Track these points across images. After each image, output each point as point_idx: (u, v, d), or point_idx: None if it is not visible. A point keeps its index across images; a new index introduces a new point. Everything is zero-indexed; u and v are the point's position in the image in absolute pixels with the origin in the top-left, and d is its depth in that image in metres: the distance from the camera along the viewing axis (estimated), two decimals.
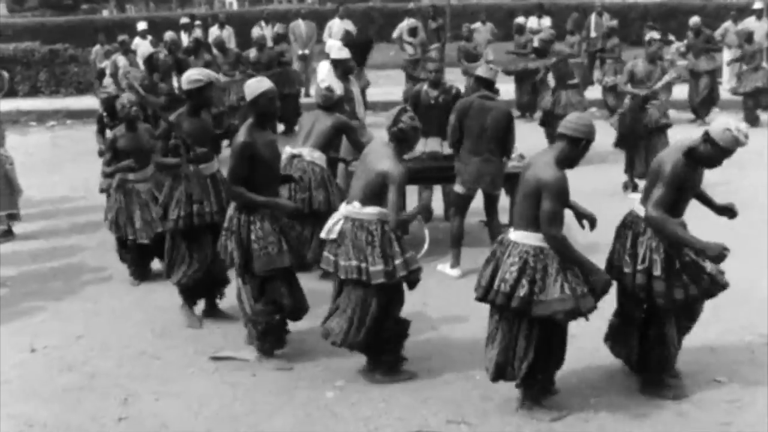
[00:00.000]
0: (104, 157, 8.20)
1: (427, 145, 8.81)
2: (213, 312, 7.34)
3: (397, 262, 5.71)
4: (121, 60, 14.53)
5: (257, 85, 6.09)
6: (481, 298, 5.44)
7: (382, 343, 5.95)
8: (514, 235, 5.35)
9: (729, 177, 11.15)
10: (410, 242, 5.92)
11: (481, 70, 8.21)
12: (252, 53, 15.13)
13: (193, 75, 6.79)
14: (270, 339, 6.38)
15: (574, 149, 5.25)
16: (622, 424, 5.40)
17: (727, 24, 18.56)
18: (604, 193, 10.53)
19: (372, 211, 5.76)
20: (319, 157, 7.95)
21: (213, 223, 6.89)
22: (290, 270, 6.29)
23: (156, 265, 8.31)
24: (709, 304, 5.74)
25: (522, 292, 5.15)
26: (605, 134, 10.32)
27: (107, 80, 14.56)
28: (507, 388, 5.63)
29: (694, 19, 16.58)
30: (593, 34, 18.02)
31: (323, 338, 6.02)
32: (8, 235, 9.93)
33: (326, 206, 7.79)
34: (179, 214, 6.86)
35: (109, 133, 8.73)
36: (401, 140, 5.84)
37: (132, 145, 7.92)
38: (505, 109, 8.03)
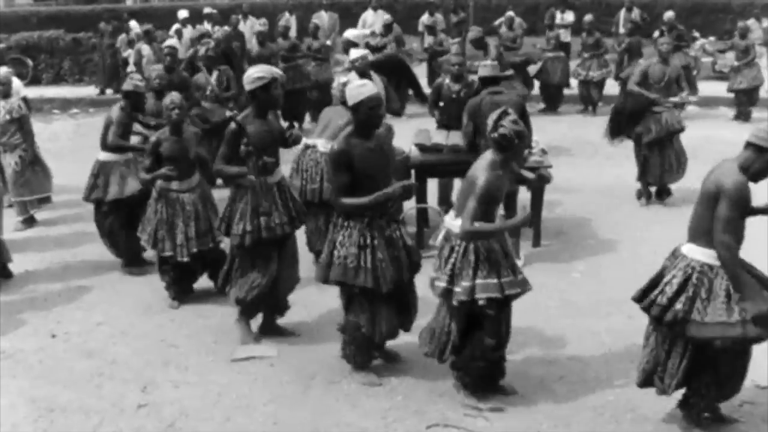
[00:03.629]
0: (144, 162, 7.43)
1: (449, 138, 8.78)
2: (271, 329, 6.79)
3: (479, 281, 5.32)
4: (145, 49, 14.59)
5: (359, 90, 5.61)
6: (637, 300, 5.22)
7: (470, 360, 5.58)
8: (686, 247, 5.08)
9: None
10: (427, 233, 5.89)
11: (483, 70, 8.17)
12: (254, 48, 14.63)
13: (255, 73, 6.15)
14: (359, 353, 5.99)
15: (760, 159, 4.82)
16: None
17: (750, 21, 18.40)
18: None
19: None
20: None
21: (284, 235, 6.42)
22: (375, 292, 5.67)
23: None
24: None
25: (678, 307, 4.89)
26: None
27: (131, 68, 14.63)
28: (523, 383, 5.63)
29: (668, 14, 16.57)
30: (621, 30, 17.88)
31: (420, 347, 5.76)
32: (31, 222, 10.00)
33: None
34: (245, 228, 6.22)
35: (135, 127, 8.55)
36: (504, 147, 5.33)
37: (176, 150, 7.18)
38: (517, 101, 7.97)
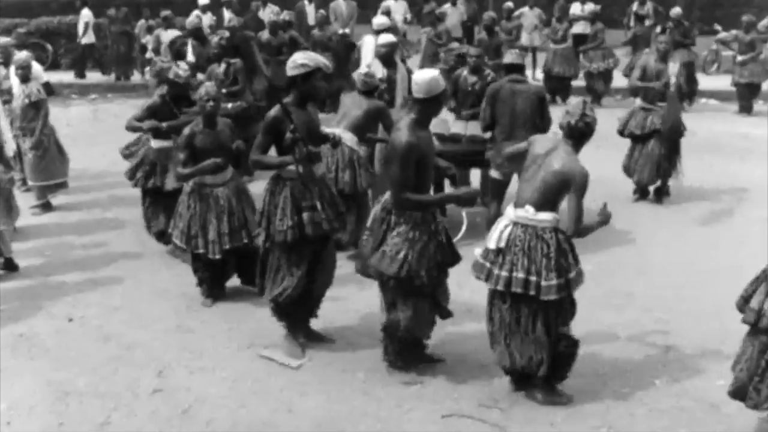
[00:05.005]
0: (179, 157, 7.04)
1: (467, 129, 8.77)
2: (307, 334, 6.47)
3: (572, 275, 5.24)
4: (163, 35, 14.58)
5: (437, 83, 5.37)
6: (752, 324, 4.84)
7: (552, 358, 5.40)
8: None
9: (735, 169, 11.14)
10: (448, 225, 5.86)
11: (508, 57, 8.16)
12: (264, 35, 14.18)
13: (298, 59, 5.81)
14: (404, 354, 5.88)
15: None
16: None
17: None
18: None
19: (547, 217, 5.21)
20: (350, 139, 7.90)
21: (330, 231, 6.11)
22: (420, 288, 5.56)
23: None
24: None
25: None
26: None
27: (149, 54, 14.62)
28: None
29: (675, 10, 16.49)
30: (646, 23, 17.75)
31: (500, 365, 5.56)
32: (47, 207, 10.04)
33: (352, 188, 7.78)
34: (287, 224, 5.87)
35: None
36: (584, 135, 5.28)
37: (211, 143, 6.92)
38: (537, 91, 7.99)
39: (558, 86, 16.44)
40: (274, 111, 5.82)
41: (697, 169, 10.65)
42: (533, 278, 5.14)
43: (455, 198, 5.53)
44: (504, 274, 5.22)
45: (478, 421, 5.32)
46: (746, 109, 15.53)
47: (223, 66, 10.76)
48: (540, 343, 5.29)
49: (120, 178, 8.78)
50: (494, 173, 8.09)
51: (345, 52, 15.56)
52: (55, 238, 9.07)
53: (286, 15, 15.08)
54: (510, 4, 17.00)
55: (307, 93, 5.88)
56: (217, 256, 6.97)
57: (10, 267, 8.04)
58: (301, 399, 5.61)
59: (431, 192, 5.87)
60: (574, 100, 5.33)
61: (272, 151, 5.99)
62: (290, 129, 5.66)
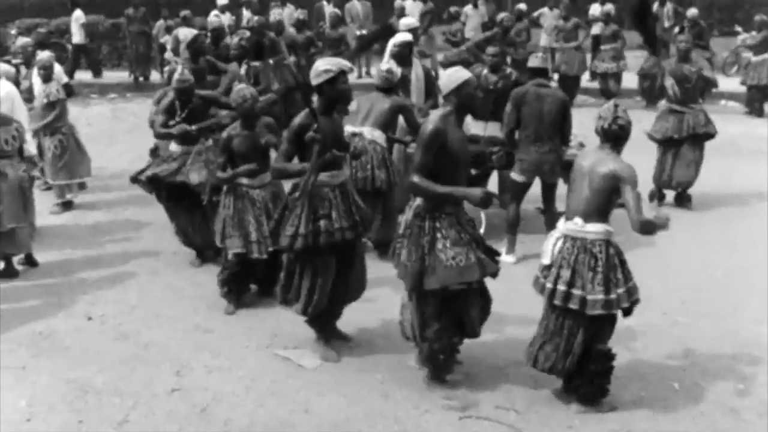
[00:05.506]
0: (218, 160, 6.98)
1: (486, 130, 8.76)
2: (332, 334, 6.40)
3: (620, 291, 5.15)
4: (182, 35, 14.62)
5: (458, 74, 5.36)
6: None
7: (585, 374, 5.35)
8: None
9: (754, 171, 11.08)
10: None
11: (532, 62, 8.14)
12: (288, 34, 14.15)
13: (321, 66, 5.74)
14: (447, 366, 5.70)
15: None
16: None
17: None
18: None
19: (597, 229, 5.16)
20: (379, 136, 7.92)
21: (344, 241, 5.89)
22: (479, 283, 5.52)
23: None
24: None
25: None
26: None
27: (168, 54, 14.66)
28: (555, 378, 5.60)
29: (692, 11, 16.45)
30: (666, 24, 17.70)
31: (528, 363, 5.53)
32: (68, 205, 10.10)
33: (388, 185, 7.82)
34: (297, 230, 5.73)
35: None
36: (619, 137, 5.24)
37: (249, 145, 6.78)
38: (561, 97, 7.99)
39: (562, 86, 16.38)
40: (300, 117, 5.77)
41: (716, 172, 10.59)
42: (577, 292, 5.10)
43: (469, 196, 5.27)
44: (549, 285, 5.23)
45: (494, 422, 5.31)
46: (756, 111, 15.44)
47: (244, 67, 10.75)
48: (571, 356, 5.27)
49: None
50: (516, 176, 8.08)
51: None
52: (75, 236, 9.13)
53: (299, 14, 15.09)
54: (523, 6, 16.97)
55: (334, 98, 5.81)
56: (264, 256, 6.84)
57: (31, 263, 8.14)
58: (318, 399, 5.61)
59: None
60: (605, 104, 5.30)
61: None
62: (313, 129, 5.61)
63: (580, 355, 5.28)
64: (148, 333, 6.68)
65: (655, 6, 18.00)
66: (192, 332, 6.68)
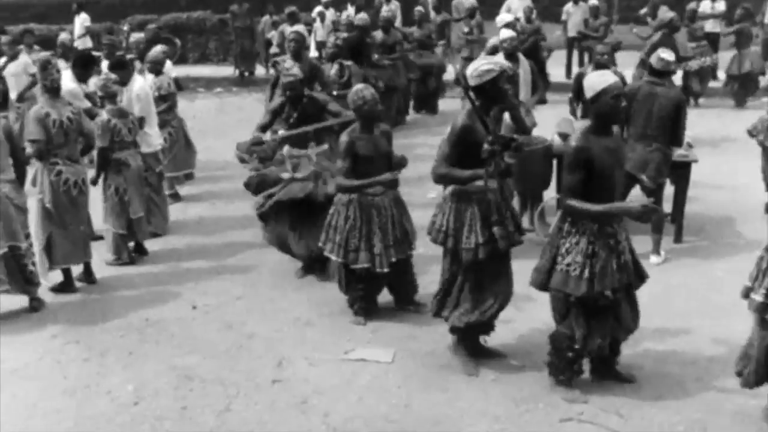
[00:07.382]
0: (341, 166, 6.45)
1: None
2: (480, 352, 6.13)
3: None
4: (288, 31, 14.80)
5: (599, 79, 5.16)
6: None
7: None
8: None
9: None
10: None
11: (658, 64, 7.86)
12: (378, 35, 13.71)
13: (483, 65, 5.48)
14: (567, 367, 5.52)
15: None
16: None
17: None
18: None
19: None
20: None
21: (514, 244, 5.75)
22: (592, 303, 5.26)
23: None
24: None
25: None
26: None
27: (274, 49, 14.84)
28: (659, 382, 5.48)
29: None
30: (766, 20, 17.11)
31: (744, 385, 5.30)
32: (175, 197, 10.34)
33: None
34: (477, 240, 5.54)
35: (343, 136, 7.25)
36: None
37: (372, 149, 6.43)
38: (675, 96, 7.73)
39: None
40: (462, 119, 5.52)
41: None
42: None
43: (628, 211, 5.15)
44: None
45: (597, 426, 5.20)
46: (740, 103, 15.23)
47: (335, 67, 10.71)
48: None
49: (244, 171, 8.94)
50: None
51: None
52: (181, 227, 9.34)
53: (386, 12, 14.81)
54: (595, 2, 16.70)
55: (494, 98, 5.55)
56: (385, 270, 6.52)
57: (141, 251, 8.41)
58: (419, 395, 5.60)
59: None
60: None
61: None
62: (488, 140, 5.31)
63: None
64: (251, 324, 6.78)
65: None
66: (294, 324, 6.75)
